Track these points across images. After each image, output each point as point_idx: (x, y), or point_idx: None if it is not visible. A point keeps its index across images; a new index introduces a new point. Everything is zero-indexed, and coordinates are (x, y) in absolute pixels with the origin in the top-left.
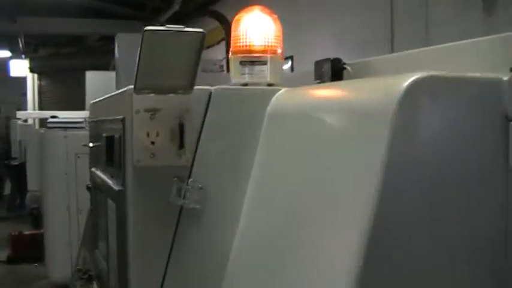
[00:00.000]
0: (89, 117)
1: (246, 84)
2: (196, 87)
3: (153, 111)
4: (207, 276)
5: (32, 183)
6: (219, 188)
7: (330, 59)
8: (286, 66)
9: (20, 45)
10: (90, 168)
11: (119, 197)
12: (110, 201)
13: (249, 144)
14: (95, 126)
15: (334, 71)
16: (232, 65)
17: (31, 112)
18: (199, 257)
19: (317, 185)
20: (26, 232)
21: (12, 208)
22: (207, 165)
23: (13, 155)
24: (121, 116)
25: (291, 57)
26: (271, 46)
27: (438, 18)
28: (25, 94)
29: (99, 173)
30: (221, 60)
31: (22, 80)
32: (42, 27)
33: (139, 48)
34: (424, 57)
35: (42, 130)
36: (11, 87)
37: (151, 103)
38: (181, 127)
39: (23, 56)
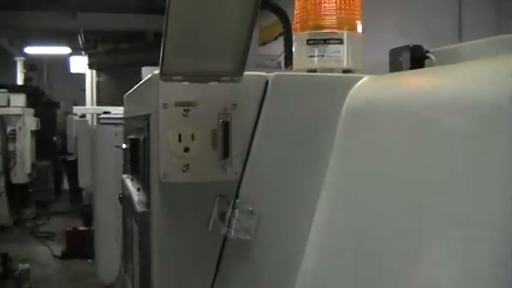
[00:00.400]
0: (123, 112)
1: (314, 71)
2: (246, 72)
3: (187, 106)
4: None
5: (83, 180)
6: (278, 211)
7: (409, 46)
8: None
9: (80, 41)
10: (122, 174)
11: (142, 221)
12: (134, 222)
13: (319, 151)
14: (127, 124)
15: (415, 60)
16: (297, 46)
17: (85, 108)
18: None
19: (437, 200)
20: (81, 228)
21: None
22: (262, 180)
23: (69, 151)
24: (146, 112)
25: None
26: (349, 20)
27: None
28: (84, 90)
29: (128, 182)
30: (278, 56)
31: (82, 76)
32: (101, 23)
33: (165, 15)
34: None
35: (94, 126)
36: (72, 83)
37: (184, 94)
38: (226, 128)
39: (83, 52)
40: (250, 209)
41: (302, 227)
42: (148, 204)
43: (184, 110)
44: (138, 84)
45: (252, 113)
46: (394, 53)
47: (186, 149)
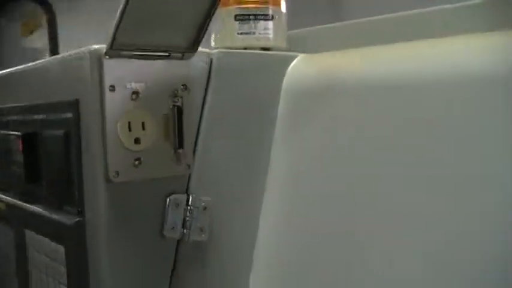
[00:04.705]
0: None
1: (245, 49)
2: None
3: (135, 88)
4: None
5: None
6: (226, 204)
7: None
8: None
9: None
10: None
11: (77, 235)
12: (50, 245)
13: (264, 136)
14: None
15: None
16: (223, 22)
17: None
18: None
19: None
20: None
21: None
22: (211, 173)
23: None
24: (71, 98)
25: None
26: None
27: None
28: None
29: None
30: (44, 49)
31: None
32: None
33: None
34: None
35: None
36: None
37: (133, 73)
38: (179, 113)
39: None
40: (203, 204)
41: (253, 219)
42: (80, 212)
43: (133, 93)
44: (25, 66)
45: (199, 95)
46: None
47: (137, 140)
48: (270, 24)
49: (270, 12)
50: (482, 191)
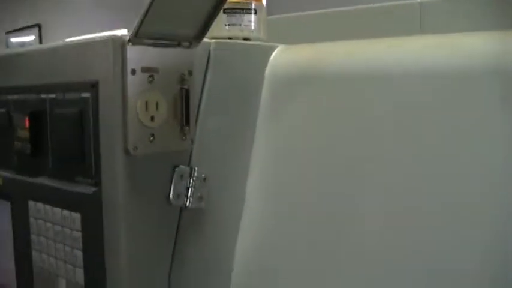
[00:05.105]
0: None
1: (230, 39)
2: None
3: (151, 72)
4: None
5: None
6: (221, 178)
7: None
8: (31, 38)
9: None
10: None
11: (94, 203)
12: (61, 213)
13: (252, 117)
14: None
15: None
16: None
17: None
18: (204, 273)
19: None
20: None
21: None
22: (208, 148)
23: None
24: (92, 79)
25: (39, 26)
26: None
27: None
28: None
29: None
30: None
31: None
32: None
33: None
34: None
35: None
36: None
37: (150, 59)
38: (186, 95)
39: None
40: (203, 176)
41: (239, 191)
42: (97, 184)
43: (149, 77)
44: (35, 47)
45: (200, 80)
46: None
47: (152, 118)
48: (253, 17)
49: (253, 6)
50: (463, 187)
